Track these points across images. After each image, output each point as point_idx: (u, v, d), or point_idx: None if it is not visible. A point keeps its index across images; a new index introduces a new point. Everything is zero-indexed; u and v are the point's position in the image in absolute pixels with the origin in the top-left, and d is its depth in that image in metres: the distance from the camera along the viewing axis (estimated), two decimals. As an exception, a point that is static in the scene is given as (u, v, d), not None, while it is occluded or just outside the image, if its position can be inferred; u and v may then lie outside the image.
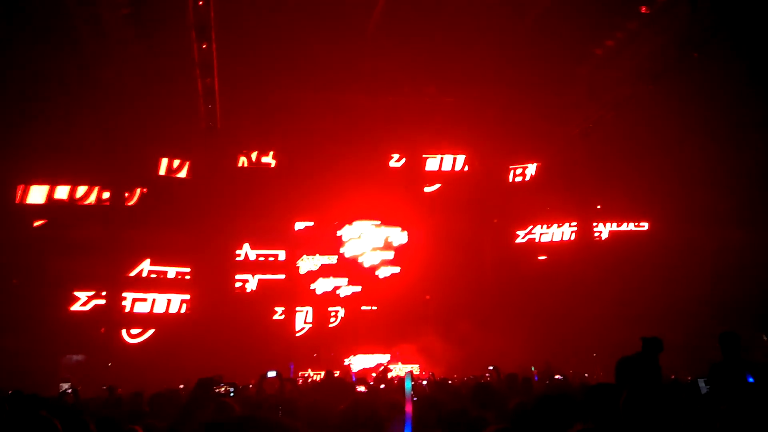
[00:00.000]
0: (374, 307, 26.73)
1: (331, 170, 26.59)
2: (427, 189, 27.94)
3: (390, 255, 27.32)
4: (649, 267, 24.42)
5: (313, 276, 26.83)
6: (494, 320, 24.69)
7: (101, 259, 24.46)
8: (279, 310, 26.41)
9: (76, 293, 24.08)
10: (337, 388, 10.12)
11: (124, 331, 24.64)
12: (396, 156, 27.99)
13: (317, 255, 26.93)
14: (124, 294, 24.83)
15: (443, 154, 28.16)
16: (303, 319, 26.60)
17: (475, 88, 24.11)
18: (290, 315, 26.49)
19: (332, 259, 26.98)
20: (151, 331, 24.93)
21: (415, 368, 23.90)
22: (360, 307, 26.73)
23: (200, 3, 17.30)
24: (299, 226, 27.02)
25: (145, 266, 25.36)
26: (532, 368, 15.72)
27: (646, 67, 21.37)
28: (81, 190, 24.78)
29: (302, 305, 26.65)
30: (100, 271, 24.56)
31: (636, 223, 28.07)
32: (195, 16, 17.71)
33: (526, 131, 25.75)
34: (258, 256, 26.83)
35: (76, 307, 24.05)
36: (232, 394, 5.13)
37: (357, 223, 27.32)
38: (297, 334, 26.09)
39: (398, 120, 25.74)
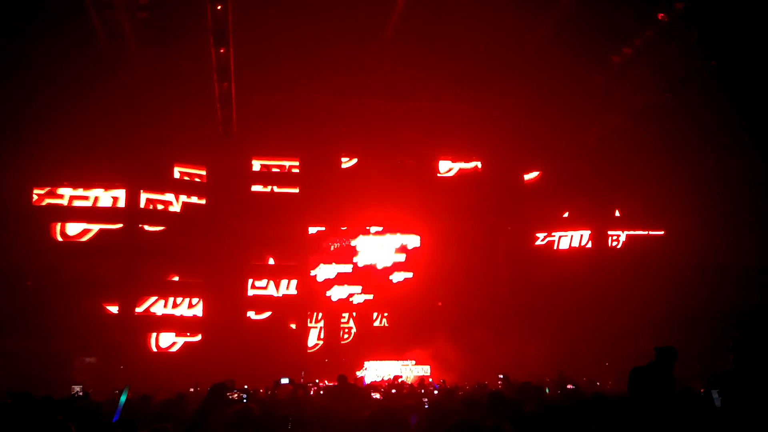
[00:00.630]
0: (385, 314, 26.76)
1: (346, 175, 26.81)
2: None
3: (402, 258, 27.30)
4: (664, 275, 24.27)
5: (329, 284, 26.89)
6: (508, 327, 24.60)
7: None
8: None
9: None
10: (350, 394, 10.11)
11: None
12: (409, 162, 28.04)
13: (334, 263, 26.96)
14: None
15: (458, 160, 28.12)
16: (316, 335, 26.76)
17: (491, 95, 24.10)
18: (303, 327, 26.57)
19: (347, 268, 26.99)
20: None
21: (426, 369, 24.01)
22: (372, 314, 26.72)
23: (218, 7, 17.35)
24: (312, 230, 27.13)
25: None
26: (547, 379, 15.64)
27: (664, 75, 21.30)
28: (96, 192, 25.01)
29: (316, 312, 26.75)
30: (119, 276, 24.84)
31: (651, 231, 27.95)
32: (213, 21, 17.77)
33: (542, 138, 25.67)
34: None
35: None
36: (245, 400, 5.13)
37: (372, 233, 27.37)
38: (309, 351, 26.09)
39: (414, 125, 25.71)
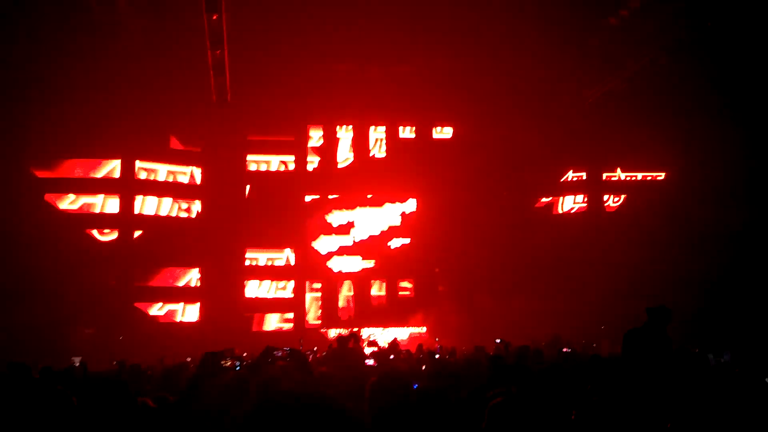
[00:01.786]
0: (384, 283, 26.87)
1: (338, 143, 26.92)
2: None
3: (398, 221, 27.40)
4: (664, 232, 24.49)
5: (329, 255, 26.96)
6: (507, 291, 24.67)
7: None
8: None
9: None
10: (347, 359, 10.12)
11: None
12: (405, 128, 27.99)
13: (334, 235, 27.01)
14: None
15: (452, 124, 28.04)
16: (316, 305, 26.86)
17: (486, 57, 23.88)
18: (301, 297, 26.67)
19: (348, 240, 27.03)
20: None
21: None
22: (371, 281, 26.80)
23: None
24: (308, 198, 27.12)
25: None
26: (542, 343, 15.74)
27: (660, 38, 21.22)
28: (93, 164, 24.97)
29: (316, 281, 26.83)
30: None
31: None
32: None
33: (538, 100, 25.55)
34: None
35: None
36: (238, 368, 5.16)
37: (369, 203, 27.38)
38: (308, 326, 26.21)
39: (407, 90, 25.57)
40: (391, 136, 27.79)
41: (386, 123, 27.66)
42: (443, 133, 28.28)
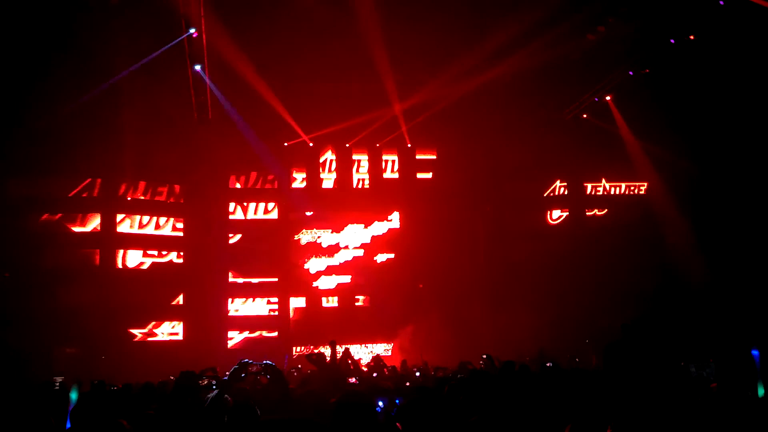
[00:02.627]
0: (362, 297, 26.84)
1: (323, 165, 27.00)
2: (421, 175, 28.02)
3: (382, 231, 27.45)
4: (648, 244, 24.72)
5: (317, 274, 26.97)
6: (492, 306, 24.70)
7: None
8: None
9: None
10: (329, 378, 10.09)
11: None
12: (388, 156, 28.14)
13: (323, 257, 27.02)
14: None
15: (434, 145, 28.14)
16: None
17: (465, 74, 23.93)
18: (285, 312, 26.53)
19: (335, 261, 27.03)
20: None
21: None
22: (354, 297, 26.74)
23: None
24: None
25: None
26: (527, 358, 15.75)
27: (640, 51, 21.45)
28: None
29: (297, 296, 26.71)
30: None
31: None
32: (183, 5, 17.57)
33: (518, 117, 25.64)
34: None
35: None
36: (214, 387, 5.12)
37: (350, 227, 27.40)
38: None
39: (391, 108, 25.58)
40: (374, 156, 27.83)
41: (367, 147, 27.76)
42: (426, 154, 28.32)
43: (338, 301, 26.72)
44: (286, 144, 26.70)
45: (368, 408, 3.95)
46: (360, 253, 27.13)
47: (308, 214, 26.95)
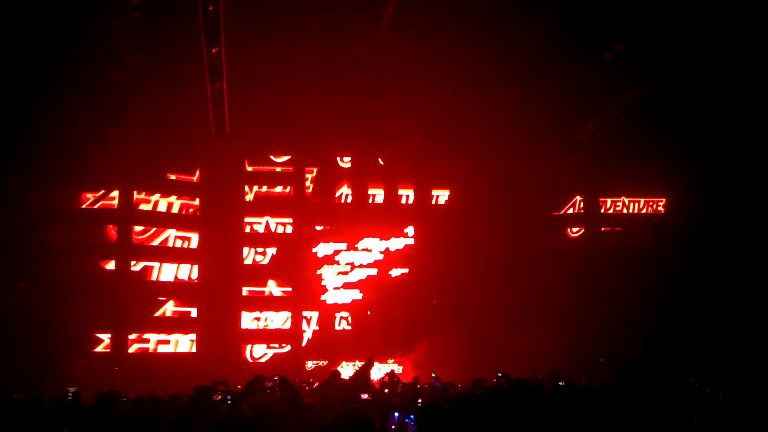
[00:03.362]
0: (366, 312, 26.79)
1: (340, 175, 26.99)
2: (436, 192, 28.10)
3: (398, 247, 27.47)
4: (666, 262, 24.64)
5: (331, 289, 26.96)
6: (508, 324, 24.57)
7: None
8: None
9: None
10: (340, 391, 10.06)
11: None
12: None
13: (340, 275, 26.98)
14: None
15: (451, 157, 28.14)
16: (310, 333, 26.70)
17: (483, 91, 24.00)
18: (298, 327, 26.54)
19: (350, 277, 27.01)
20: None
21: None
22: (367, 312, 26.66)
23: (210, 8, 17.29)
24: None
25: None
26: (540, 376, 15.67)
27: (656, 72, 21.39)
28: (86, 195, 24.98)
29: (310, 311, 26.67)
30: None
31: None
32: (205, 21, 17.71)
33: (535, 132, 25.64)
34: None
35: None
36: (229, 401, 5.13)
37: (366, 240, 27.35)
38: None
39: (407, 123, 25.66)
40: (389, 168, 27.86)
41: (384, 155, 27.73)
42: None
43: (351, 317, 26.63)
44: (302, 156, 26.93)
45: (363, 425, 3.95)
46: (374, 272, 27.06)
47: (319, 228, 26.96)
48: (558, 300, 25.07)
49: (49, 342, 21.75)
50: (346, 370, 23.78)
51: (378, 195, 27.67)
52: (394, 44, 21.28)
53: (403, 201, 27.98)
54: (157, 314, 25.10)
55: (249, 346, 25.96)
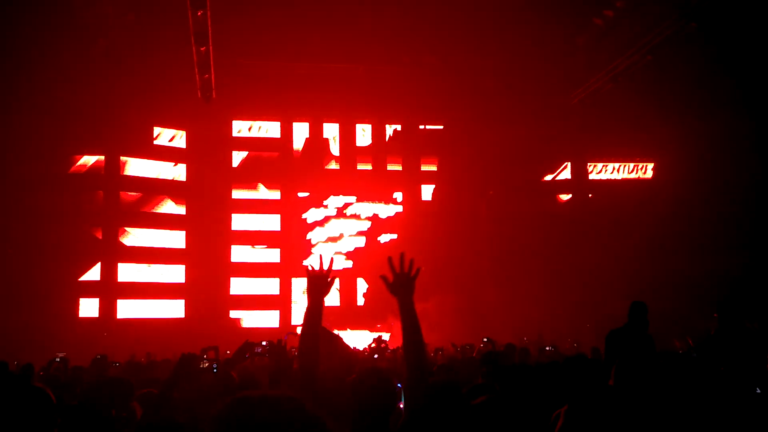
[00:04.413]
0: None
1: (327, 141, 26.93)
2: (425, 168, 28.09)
3: (387, 214, 27.50)
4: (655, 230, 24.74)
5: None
6: (495, 290, 24.67)
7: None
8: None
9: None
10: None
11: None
12: (392, 126, 27.96)
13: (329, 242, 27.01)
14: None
15: (437, 123, 28.05)
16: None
17: (470, 56, 23.88)
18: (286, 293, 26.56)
19: (339, 247, 26.99)
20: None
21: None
22: (356, 280, 26.72)
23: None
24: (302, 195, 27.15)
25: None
26: (525, 339, 15.80)
27: (645, 38, 21.26)
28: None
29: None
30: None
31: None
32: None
33: (523, 99, 25.57)
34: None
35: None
36: (215, 370, 5.13)
37: (356, 205, 27.36)
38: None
39: (395, 89, 25.54)
40: (378, 134, 27.75)
41: (373, 121, 27.59)
42: (432, 133, 28.24)
43: (339, 284, 26.60)
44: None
45: (389, 384, 3.94)
46: (362, 242, 27.09)
47: (301, 195, 26.92)
48: (546, 266, 25.19)
49: (36, 307, 21.72)
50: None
51: (366, 163, 27.56)
52: (383, 7, 21.12)
53: (391, 169, 27.97)
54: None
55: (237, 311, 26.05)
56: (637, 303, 6.77)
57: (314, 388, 3.96)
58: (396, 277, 4.18)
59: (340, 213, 26.98)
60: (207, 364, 5.10)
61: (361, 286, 26.78)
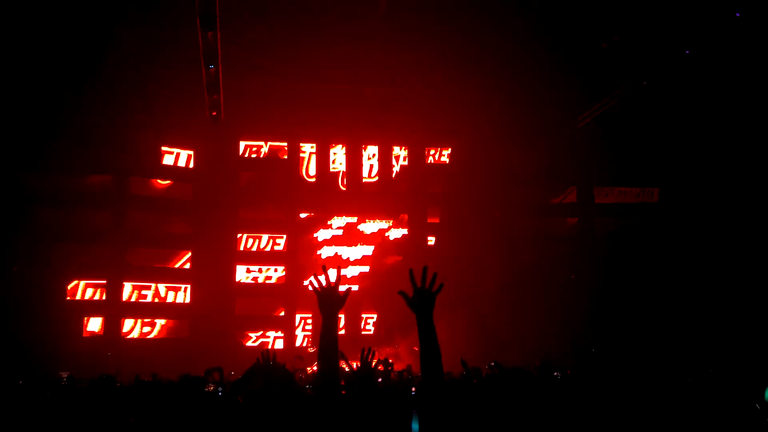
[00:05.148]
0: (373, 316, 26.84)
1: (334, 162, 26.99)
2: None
3: (394, 237, 27.42)
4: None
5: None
6: (503, 311, 24.62)
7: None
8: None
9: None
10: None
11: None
12: (398, 149, 28.02)
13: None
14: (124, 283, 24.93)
15: (445, 146, 28.10)
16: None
17: (473, 78, 23.98)
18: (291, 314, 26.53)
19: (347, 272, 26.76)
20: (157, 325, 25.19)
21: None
22: (360, 305, 26.55)
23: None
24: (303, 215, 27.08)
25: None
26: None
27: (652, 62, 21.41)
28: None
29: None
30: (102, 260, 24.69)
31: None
32: (200, 4, 17.58)
33: (528, 122, 25.66)
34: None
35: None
36: (220, 393, 5.10)
37: (364, 225, 27.27)
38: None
39: (402, 112, 25.65)
40: (384, 155, 27.78)
41: (379, 142, 27.64)
42: (439, 155, 28.26)
43: (344, 315, 25.82)
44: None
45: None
46: (366, 268, 26.95)
47: (302, 216, 26.94)
48: (551, 288, 25.22)
49: (41, 324, 21.70)
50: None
51: (373, 182, 27.61)
52: (390, 27, 21.26)
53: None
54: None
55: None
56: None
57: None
58: (416, 293, 4.14)
59: (346, 233, 26.90)
60: (212, 388, 5.06)
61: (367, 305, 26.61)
